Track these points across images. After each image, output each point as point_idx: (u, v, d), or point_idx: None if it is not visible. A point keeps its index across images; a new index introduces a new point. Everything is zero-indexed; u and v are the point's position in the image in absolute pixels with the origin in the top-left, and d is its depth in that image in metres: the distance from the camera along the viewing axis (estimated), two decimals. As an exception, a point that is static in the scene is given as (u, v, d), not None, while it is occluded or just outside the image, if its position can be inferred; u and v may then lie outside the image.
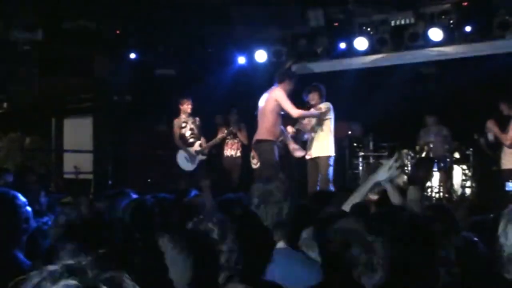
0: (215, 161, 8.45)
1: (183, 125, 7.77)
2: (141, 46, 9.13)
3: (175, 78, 9.07)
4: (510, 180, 6.35)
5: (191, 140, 7.74)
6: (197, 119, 7.84)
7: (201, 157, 7.76)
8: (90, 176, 9.58)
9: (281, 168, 6.21)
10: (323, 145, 6.49)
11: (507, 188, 6.31)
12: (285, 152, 6.70)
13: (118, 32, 8.94)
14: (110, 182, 8.79)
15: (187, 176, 7.66)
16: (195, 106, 7.81)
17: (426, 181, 6.50)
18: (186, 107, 7.73)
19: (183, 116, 7.76)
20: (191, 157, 7.75)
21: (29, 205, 3.16)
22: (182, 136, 7.74)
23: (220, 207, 2.92)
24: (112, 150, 9.35)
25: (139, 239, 1.91)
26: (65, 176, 9.83)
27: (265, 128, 6.21)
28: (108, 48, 9.10)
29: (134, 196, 3.20)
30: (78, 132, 10.39)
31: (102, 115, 9.58)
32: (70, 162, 9.99)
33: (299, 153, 6.58)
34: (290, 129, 7.45)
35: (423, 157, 7.73)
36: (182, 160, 7.79)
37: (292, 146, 6.56)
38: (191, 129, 7.76)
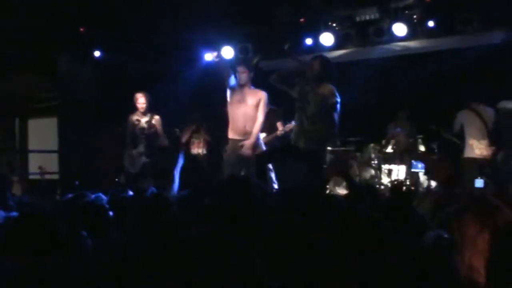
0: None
1: (136, 122, 7.28)
2: (106, 44, 9.01)
3: (141, 76, 8.98)
4: (479, 177, 6.49)
5: (140, 139, 7.24)
6: (156, 117, 7.33)
7: (144, 159, 7.22)
8: (56, 177, 9.43)
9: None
10: None
11: (476, 185, 6.44)
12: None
13: (82, 30, 8.81)
14: (77, 182, 8.67)
15: (131, 177, 7.22)
16: (161, 104, 7.71)
17: None
18: (141, 104, 7.26)
19: (137, 113, 7.30)
20: (132, 159, 7.25)
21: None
22: (133, 135, 7.26)
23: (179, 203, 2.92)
24: (78, 150, 9.21)
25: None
26: (30, 177, 9.65)
27: None
28: (72, 47, 8.96)
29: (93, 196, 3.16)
30: (43, 132, 10.22)
31: (67, 115, 9.42)
32: (35, 163, 9.82)
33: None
34: (279, 126, 7.44)
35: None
36: (126, 161, 7.33)
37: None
38: (142, 128, 7.24)
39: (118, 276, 1.76)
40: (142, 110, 7.27)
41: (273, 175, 6.08)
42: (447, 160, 7.82)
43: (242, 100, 6.26)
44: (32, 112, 10.55)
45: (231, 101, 6.32)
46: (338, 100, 5.57)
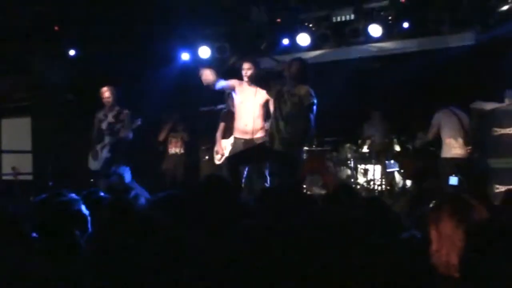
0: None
1: (103, 118, 6.95)
2: (81, 43, 8.90)
3: (117, 75, 8.90)
4: (454, 174, 6.59)
5: (106, 134, 6.88)
6: (125, 111, 6.95)
7: (106, 154, 6.88)
8: (30, 178, 9.30)
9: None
10: None
11: (450, 182, 6.53)
12: None
13: (56, 28, 8.70)
14: (51, 183, 8.55)
15: (95, 176, 6.94)
16: (138, 102, 7.63)
17: None
18: (106, 98, 6.94)
19: (104, 108, 6.99)
20: (96, 155, 6.96)
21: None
22: (99, 131, 6.94)
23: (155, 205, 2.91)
24: (52, 150, 9.09)
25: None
26: (4, 177, 9.49)
27: None
28: (46, 45, 8.83)
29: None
30: (16, 132, 10.07)
31: (41, 115, 9.30)
32: (8, 163, 9.66)
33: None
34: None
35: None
36: (90, 159, 7.07)
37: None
38: (109, 123, 6.90)
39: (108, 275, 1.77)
40: (108, 105, 6.95)
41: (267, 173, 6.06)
42: (422, 159, 7.92)
43: (245, 99, 6.07)
44: (5, 112, 10.37)
45: (236, 102, 6.20)
46: (315, 101, 5.55)
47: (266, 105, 6.07)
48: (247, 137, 6.05)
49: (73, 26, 8.63)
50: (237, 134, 6.20)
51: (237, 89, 6.14)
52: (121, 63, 8.86)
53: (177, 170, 8.35)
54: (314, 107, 5.52)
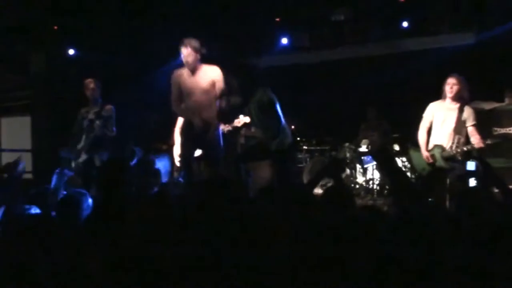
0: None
1: (85, 115, 6.09)
2: (80, 42, 8.90)
3: (116, 74, 8.89)
4: (471, 159, 6.54)
5: (84, 133, 6.05)
6: (108, 106, 6.09)
7: (84, 157, 6.02)
8: (30, 176, 9.30)
9: None
10: None
11: (468, 168, 6.46)
12: None
13: (55, 27, 8.70)
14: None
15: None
16: (136, 102, 7.59)
17: None
18: (90, 91, 6.09)
19: (88, 104, 6.14)
20: (78, 155, 6.06)
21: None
22: (80, 129, 6.09)
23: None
24: (52, 149, 9.09)
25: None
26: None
27: None
28: (46, 44, 8.83)
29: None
30: (16, 131, 10.08)
31: (41, 114, 9.30)
32: (8, 162, 9.68)
33: None
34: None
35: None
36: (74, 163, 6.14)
37: None
38: (90, 120, 6.02)
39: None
40: (92, 98, 6.11)
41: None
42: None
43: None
44: (5, 111, 10.39)
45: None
46: (271, 97, 5.38)
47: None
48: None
49: (72, 26, 8.63)
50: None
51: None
52: (121, 62, 8.87)
53: None
54: (275, 104, 5.38)
